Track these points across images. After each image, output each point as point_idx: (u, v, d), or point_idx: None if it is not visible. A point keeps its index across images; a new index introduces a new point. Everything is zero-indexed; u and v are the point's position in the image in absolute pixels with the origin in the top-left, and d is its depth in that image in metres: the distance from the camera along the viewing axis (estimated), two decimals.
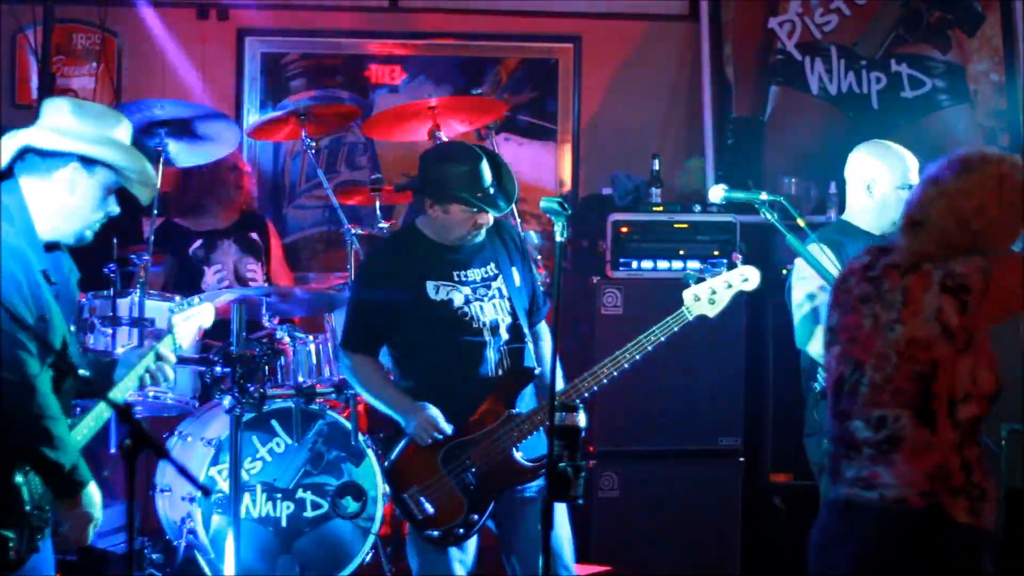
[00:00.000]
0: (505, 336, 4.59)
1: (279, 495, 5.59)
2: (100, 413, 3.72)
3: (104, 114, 3.76)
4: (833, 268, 4.83)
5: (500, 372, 4.57)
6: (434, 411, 4.47)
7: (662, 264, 6.38)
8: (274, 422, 5.58)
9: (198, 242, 6.35)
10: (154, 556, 5.72)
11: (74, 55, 6.98)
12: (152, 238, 5.82)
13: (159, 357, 3.85)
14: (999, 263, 3.27)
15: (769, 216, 5.04)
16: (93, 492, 3.61)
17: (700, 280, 4.69)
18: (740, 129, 7.24)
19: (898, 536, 3.30)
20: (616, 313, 6.29)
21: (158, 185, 3.84)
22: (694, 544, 6.31)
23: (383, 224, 5.94)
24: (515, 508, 4.56)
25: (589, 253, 6.54)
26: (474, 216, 4.52)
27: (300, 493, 5.61)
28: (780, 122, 7.28)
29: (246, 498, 5.48)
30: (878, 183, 5.17)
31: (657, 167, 6.71)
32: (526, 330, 4.64)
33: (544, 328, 4.80)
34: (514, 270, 4.67)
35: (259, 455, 5.57)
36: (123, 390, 3.80)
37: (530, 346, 4.64)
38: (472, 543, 4.59)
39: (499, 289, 4.61)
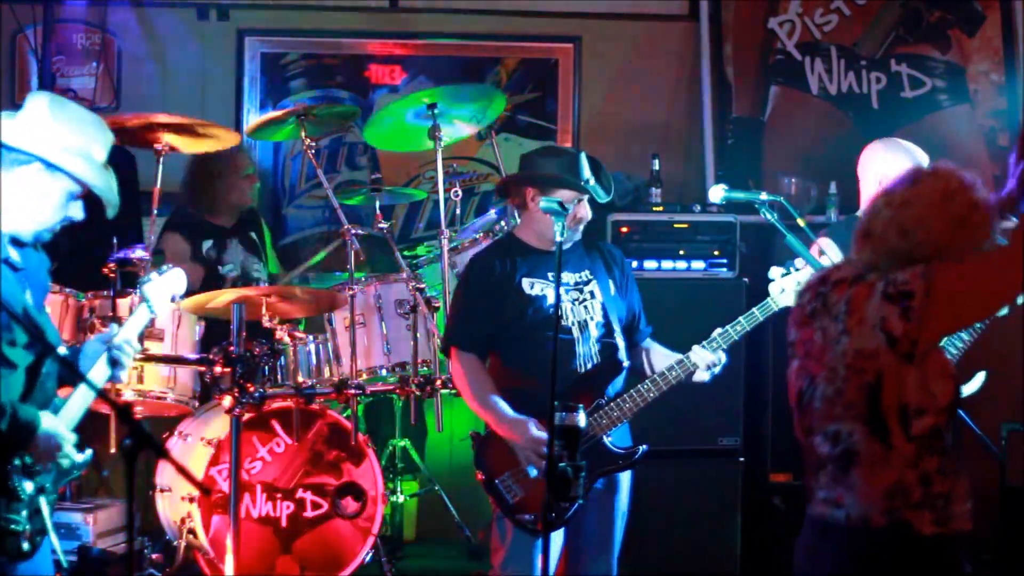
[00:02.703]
0: (595, 333, 4.71)
1: (279, 495, 5.59)
2: (85, 395, 3.71)
3: (82, 121, 3.73)
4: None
5: (588, 366, 4.68)
6: (537, 433, 4.54)
7: (662, 264, 6.39)
8: (274, 422, 5.59)
9: (209, 241, 6.38)
10: (154, 556, 5.72)
11: (74, 55, 6.99)
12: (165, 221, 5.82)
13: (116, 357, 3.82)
14: (943, 270, 3.21)
15: (769, 216, 5.04)
16: (49, 425, 3.60)
17: (786, 275, 4.75)
18: (740, 129, 7.24)
19: (867, 555, 3.28)
20: None
21: (119, 203, 3.80)
22: (694, 544, 6.30)
23: (383, 224, 5.94)
24: (587, 505, 4.59)
25: None
26: (577, 207, 4.63)
27: (300, 493, 5.61)
28: (780, 122, 7.28)
29: (246, 498, 5.48)
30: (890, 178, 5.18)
31: (657, 167, 6.71)
32: (618, 328, 4.75)
33: (652, 342, 4.93)
34: (610, 282, 4.81)
35: (259, 455, 5.57)
36: (101, 372, 3.78)
37: (620, 342, 4.75)
38: (558, 542, 4.65)
39: (591, 292, 4.75)
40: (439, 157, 5.89)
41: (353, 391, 5.48)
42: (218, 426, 5.56)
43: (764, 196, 5.06)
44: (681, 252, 6.42)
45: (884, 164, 5.19)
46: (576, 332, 4.68)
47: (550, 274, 4.68)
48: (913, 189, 3.31)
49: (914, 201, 3.29)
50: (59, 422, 3.62)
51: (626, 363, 4.76)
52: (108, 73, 6.95)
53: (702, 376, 4.74)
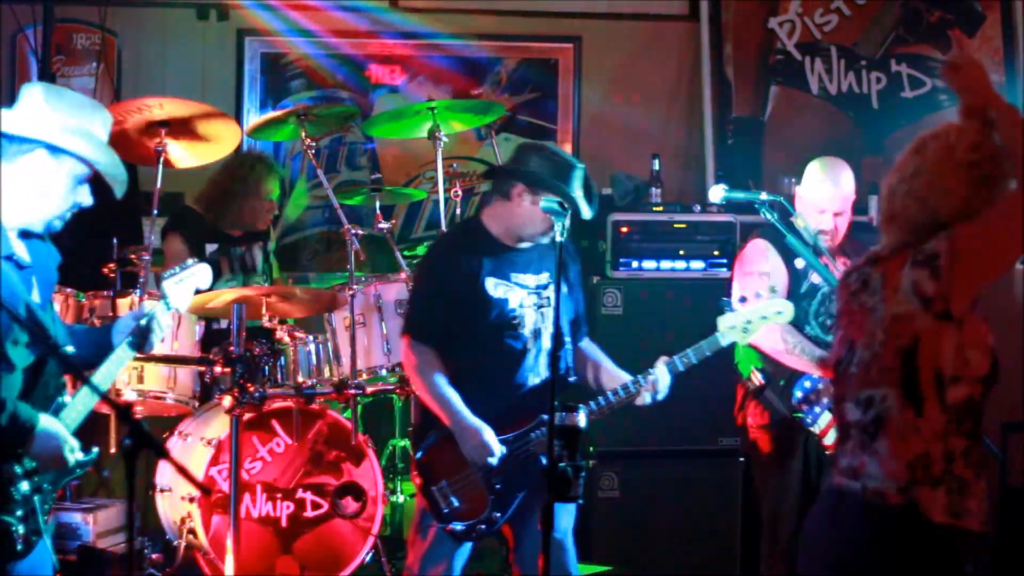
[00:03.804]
0: (547, 344, 4.63)
1: (279, 495, 5.59)
2: (90, 395, 3.70)
3: (80, 104, 3.73)
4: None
5: (536, 380, 4.61)
6: (489, 436, 4.50)
7: (662, 264, 6.39)
8: (274, 422, 5.59)
9: (214, 246, 6.35)
10: (154, 556, 5.73)
11: (74, 55, 6.99)
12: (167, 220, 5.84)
13: (148, 326, 3.81)
14: (963, 228, 3.24)
15: (769, 216, 5.05)
16: (48, 425, 3.59)
17: (730, 312, 4.76)
18: (740, 129, 7.24)
19: (875, 531, 3.28)
20: (616, 313, 6.30)
21: (127, 179, 3.79)
22: (694, 544, 6.31)
23: (383, 224, 5.94)
24: (529, 507, 4.59)
25: (589, 253, 6.53)
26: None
27: (300, 493, 5.61)
28: (780, 122, 7.28)
29: (246, 498, 5.49)
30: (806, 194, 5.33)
31: (657, 167, 6.71)
32: (568, 339, 4.68)
33: (589, 342, 4.88)
34: (564, 284, 4.68)
35: (259, 455, 5.57)
36: (107, 375, 3.77)
37: (569, 355, 4.69)
38: (466, 551, 4.64)
39: (548, 298, 4.66)
40: (439, 157, 5.89)
41: (353, 391, 5.48)
42: (218, 426, 5.56)
43: (764, 196, 5.07)
44: (681, 252, 6.42)
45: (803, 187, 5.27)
46: (530, 340, 4.61)
47: (513, 275, 4.61)
48: (918, 157, 3.34)
49: (922, 168, 3.31)
50: (58, 423, 3.61)
51: (572, 378, 4.70)
52: (108, 73, 6.95)
53: (644, 399, 4.68)
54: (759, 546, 5.56)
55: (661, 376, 4.66)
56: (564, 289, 4.66)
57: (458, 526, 4.54)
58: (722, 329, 4.73)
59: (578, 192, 4.60)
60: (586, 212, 4.62)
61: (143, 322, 3.81)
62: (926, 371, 3.25)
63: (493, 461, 4.49)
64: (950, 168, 3.29)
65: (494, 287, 4.59)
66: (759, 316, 4.75)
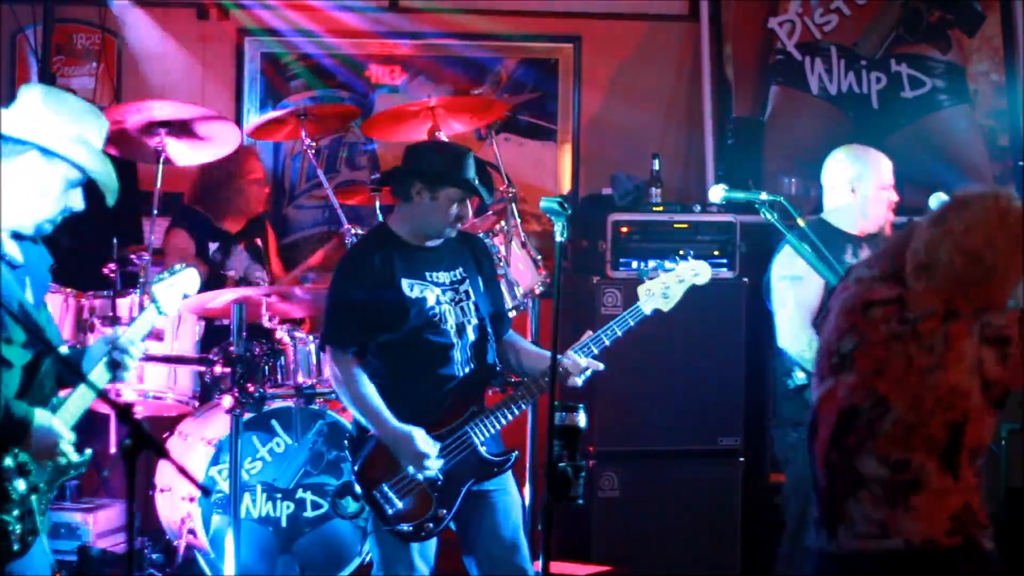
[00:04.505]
0: (471, 337, 4.64)
1: (279, 495, 5.59)
2: (85, 394, 3.70)
3: (77, 108, 3.73)
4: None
5: (465, 371, 4.62)
6: (421, 442, 4.49)
7: (662, 264, 6.37)
8: (274, 422, 5.59)
9: (215, 245, 6.36)
10: (154, 556, 5.73)
11: (74, 55, 6.99)
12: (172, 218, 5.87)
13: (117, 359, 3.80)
14: None
15: (769, 216, 5.06)
16: (44, 420, 3.59)
17: (653, 277, 4.79)
18: (740, 129, 7.24)
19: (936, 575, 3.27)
20: (616, 313, 6.22)
21: (118, 188, 3.78)
22: (694, 544, 6.30)
23: None
24: (476, 505, 4.60)
25: (589, 253, 6.54)
26: (460, 207, 4.58)
27: (300, 493, 5.61)
28: (780, 122, 7.28)
29: (246, 498, 5.49)
30: (862, 183, 5.28)
31: (657, 167, 6.71)
32: (490, 330, 4.70)
33: (514, 334, 4.88)
34: (480, 278, 4.73)
35: (259, 455, 5.57)
36: (101, 375, 3.76)
37: (492, 345, 4.70)
38: (433, 541, 4.64)
39: (466, 292, 4.67)
40: None
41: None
42: (218, 426, 5.56)
43: (764, 196, 5.08)
44: (681, 252, 6.39)
45: (854, 168, 5.32)
46: (454, 336, 4.60)
47: (427, 273, 4.60)
48: (968, 213, 3.28)
49: (975, 225, 3.26)
50: (55, 419, 3.62)
51: (498, 367, 4.72)
52: (108, 73, 6.95)
53: (575, 381, 4.66)
54: (763, 546, 5.56)
55: (571, 363, 4.64)
56: (482, 285, 4.71)
57: (405, 527, 4.53)
58: (642, 296, 4.76)
59: (474, 177, 4.61)
60: (487, 197, 4.67)
61: (114, 355, 3.79)
62: (968, 446, 3.26)
63: (431, 470, 4.49)
64: (1004, 232, 3.26)
65: (410, 287, 4.59)
66: (677, 280, 4.80)
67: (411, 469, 4.48)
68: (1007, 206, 3.27)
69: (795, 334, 5.23)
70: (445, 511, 4.54)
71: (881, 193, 5.37)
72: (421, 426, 4.51)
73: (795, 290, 5.26)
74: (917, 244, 3.31)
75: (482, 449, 4.58)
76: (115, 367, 3.77)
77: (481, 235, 5.38)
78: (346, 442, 4.74)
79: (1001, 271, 3.25)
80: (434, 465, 4.49)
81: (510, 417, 4.61)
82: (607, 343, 4.72)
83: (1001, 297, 3.29)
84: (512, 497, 4.69)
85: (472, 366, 4.63)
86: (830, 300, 3.55)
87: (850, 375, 3.32)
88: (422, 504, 4.53)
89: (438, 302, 4.60)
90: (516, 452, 4.68)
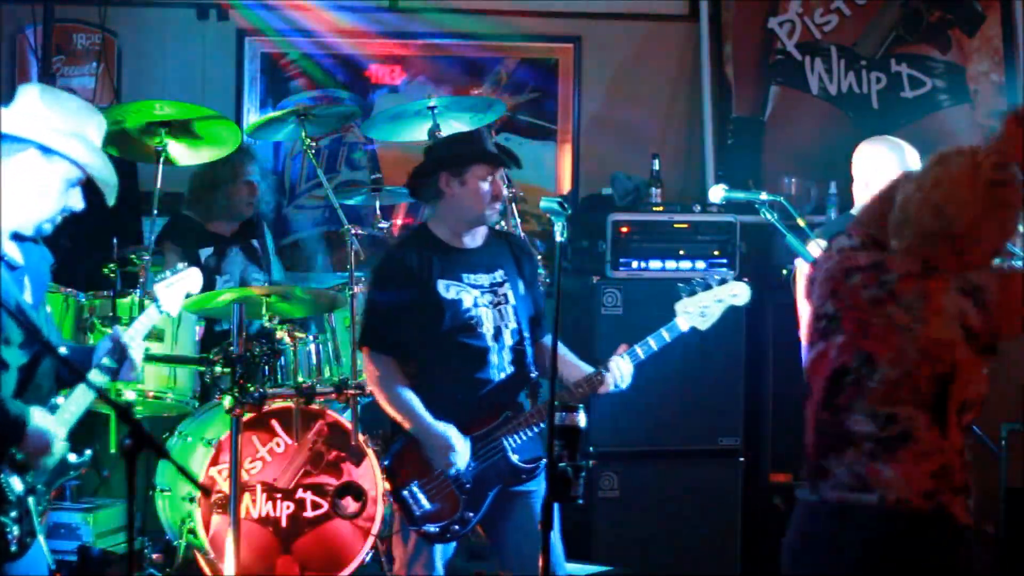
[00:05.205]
0: (508, 341, 4.62)
1: (279, 495, 5.59)
2: (85, 394, 3.70)
3: (75, 107, 3.73)
4: None
5: (501, 376, 4.60)
6: (455, 440, 4.50)
7: (662, 264, 6.38)
8: (274, 422, 5.59)
9: (209, 249, 6.35)
10: (154, 556, 5.72)
11: (74, 55, 6.99)
12: (161, 228, 5.84)
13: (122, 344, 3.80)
14: (1009, 276, 3.29)
15: (769, 216, 5.06)
16: (39, 421, 3.59)
17: (692, 294, 4.77)
18: (740, 129, 7.24)
19: (902, 539, 3.26)
20: (616, 313, 6.30)
21: (117, 185, 3.79)
22: (694, 544, 6.31)
23: (383, 224, 5.94)
24: (505, 508, 4.60)
25: (589, 253, 6.54)
26: (491, 184, 4.54)
27: (300, 493, 5.61)
28: (780, 122, 7.28)
29: (246, 498, 5.48)
30: (875, 177, 5.27)
31: (657, 167, 6.71)
32: (527, 335, 4.67)
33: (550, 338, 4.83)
34: (520, 281, 4.71)
35: (259, 455, 5.57)
36: (98, 375, 3.76)
37: (530, 351, 4.67)
38: (452, 543, 4.65)
39: (505, 295, 4.64)
40: None
41: (353, 391, 5.48)
42: (218, 426, 5.56)
43: (764, 196, 5.08)
44: (681, 252, 6.42)
45: (868, 162, 5.31)
46: (490, 339, 4.59)
47: (464, 275, 4.59)
48: (940, 168, 3.33)
49: (943, 179, 3.30)
50: (51, 420, 3.61)
51: (534, 373, 4.69)
52: (108, 73, 6.95)
53: (607, 387, 4.65)
54: (763, 546, 5.57)
55: (623, 365, 4.65)
56: (521, 288, 4.69)
57: (431, 528, 4.54)
58: (679, 314, 4.74)
59: (492, 146, 4.61)
60: (514, 165, 4.67)
61: (106, 361, 3.79)
62: (956, 399, 3.27)
63: (461, 466, 4.50)
64: (971, 186, 3.28)
65: (446, 289, 4.58)
66: (715, 300, 4.77)
67: (442, 466, 4.49)
68: (980, 159, 3.30)
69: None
70: (472, 514, 4.55)
71: None
72: (456, 427, 4.52)
73: None
74: (899, 200, 3.38)
75: (513, 456, 4.57)
76: (116, 364, 3.78)
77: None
78: (379, 441, 4.73)
79: (966, 225, 3.26)
80: (463, 462, 4.48)
81: (543, 425, 4.56)
82: (642, 357, 4.70)
83: (976, 253, 3.31)
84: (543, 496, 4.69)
85: (509, 371, 4.61)
86: (813, 270, 3.58)
87: (838, 336, 3.39)
88: (450, 506, 4.53)
89: (475, 304, 4.59)
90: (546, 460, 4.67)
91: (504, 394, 4.58)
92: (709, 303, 4.75)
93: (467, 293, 4.58)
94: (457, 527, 4.55)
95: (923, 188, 3.32)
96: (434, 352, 4.57)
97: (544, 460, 4.57)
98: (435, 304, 4.55)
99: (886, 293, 3.33)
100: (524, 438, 4.58)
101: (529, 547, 4.52)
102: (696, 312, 4.74)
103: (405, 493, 4.54)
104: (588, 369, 4.69)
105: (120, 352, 3.80)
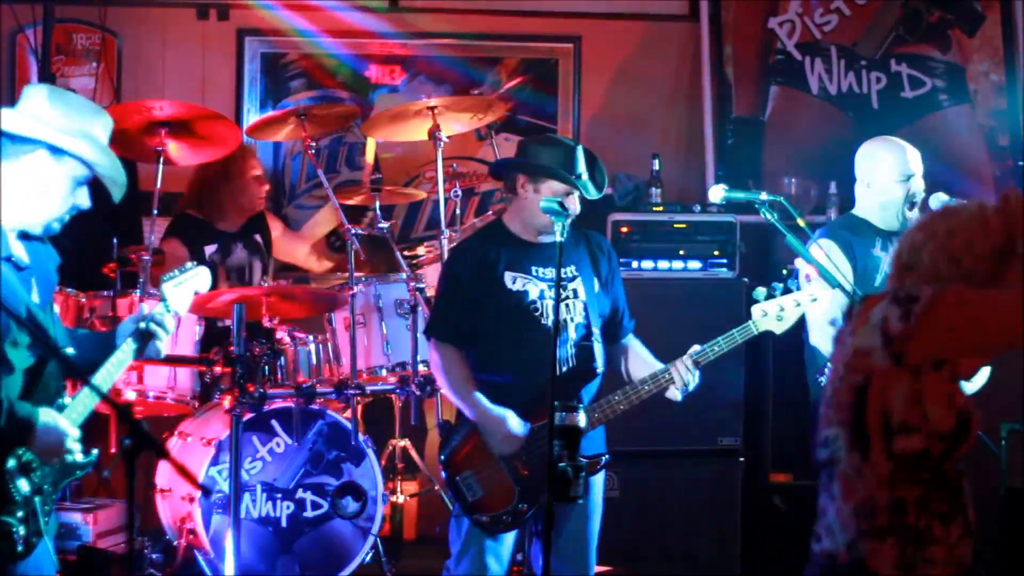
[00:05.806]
0: (574, 335, 4.65)
1: (279, 495, 5.59)
2: (89, 395, 3.70)
3: (82, 107, 3.74)
4: (835, 269, 4.85)
5: (563, 369, 4.63)
6: (513, 423, 4.55)
7: (662, 264, 6.39)
8: (274, 422, 5.59)
9: (213, 246, 6.36)
10: (154, 556, 5.72)
11: (74, 55, 6.99)
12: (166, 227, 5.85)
13: (148, 329, 3.80)
14: (956, 289, 3.11)
15: (769, 216, 5.05)
16: (48, 419, 3.58)
17: (770, 297, 4.75)
18: (740, 129, 7.24)
19: None
20: None
21: (126, 183, 3.79)
22: (694, 544, 6.30)
23: (383, 224, 5.94)
24: (561, 506, 4.57)
25: None
26: (565, 200, 4.53)
27: (300, 493, 5.61)
28: (780, 122, 7.28)
29: (246, 498, 5.49)
30: (877, 177, 5.28)
31: (657, 167, 6.71)
32: (596, 331, 4.70)
33: (633, 339, 4.89)
34: (595, 279, 4.74)
35: (259, 455, 5.57)
36: (108, 375, 3.75)
37: (598, 346, 4.70)
38: (510, 542, 4.65)
39: (574, 290, 4.69)
40: (439, 157, 5.89)
41: (353, 391, 5.48)
42: (218, 426, 5.56)
43: (764, 196, 5.06)
44: (681, 252, 6.42)
45: (868, 162, 5.33)
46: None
47: (533, 268, 4.65)
48: (953, 219, 3.24)
49: (958, 229, 3.22)
50: (61, 417, 3.62)
51: (601, 370, 4.71)
52: (108, 73, 6.95)
53: (674, 394, 4.69)
54: (763, 546, 5.56)
55: (689, 367, 4.66)
56: (596, 286, 4.74)
57: (483, 517, 4.58)
58: (756, 317, 4.73)
59: (583, 172, 4.62)
60: (592, 192, 4.66)
61: (142, 325, 3.81)
62: (873, 412, 3.06)
63: (516, 448, 4.54)
64: (986, 237, 3.19)
65: (512, 280, 4.65)
66: (793, 303, 4.75)
67: (498, 449, 4.54)
68: (991, 212, 3.25)
69: (826, 331, 5.20)
70: (526, 506, 4.56)
71: (895, 186, 5.34)
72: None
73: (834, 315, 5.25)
74: (900, 248, 3.29)
75: None
76: (146, 339, 3.77)
77: None
78: (440, 429, 4.77)
79: (980, 276, 3.21)
80: (518, 445, 4.52)
81: (603, 421, 4.63)
82: (712, 358, 4.70)
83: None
84: (596, 501, 4.72)
85: (572, 364, 4.65)
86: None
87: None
88: (504, 496, 4.57)
89: (541, 296, 4.63)
90: (608, 456, 4.69)
91: (567, 387, 4.55)
92: (788, 307, 4.74)
93: (533, 285, 4.65)
94: (509, 518, 4.57)
95: (936, 238, 3.20)
96: (498, 342, 4.63)
97: (606, 456, 4.67)
98: (500, 295, 4.62)
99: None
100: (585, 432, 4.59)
101: (571, 552, 4.64)
102: (773, 315, 4.73)
103: (459, 479, 4.60)
104: (656, 366, 4.73)
105: (151, 326, 3.79)
